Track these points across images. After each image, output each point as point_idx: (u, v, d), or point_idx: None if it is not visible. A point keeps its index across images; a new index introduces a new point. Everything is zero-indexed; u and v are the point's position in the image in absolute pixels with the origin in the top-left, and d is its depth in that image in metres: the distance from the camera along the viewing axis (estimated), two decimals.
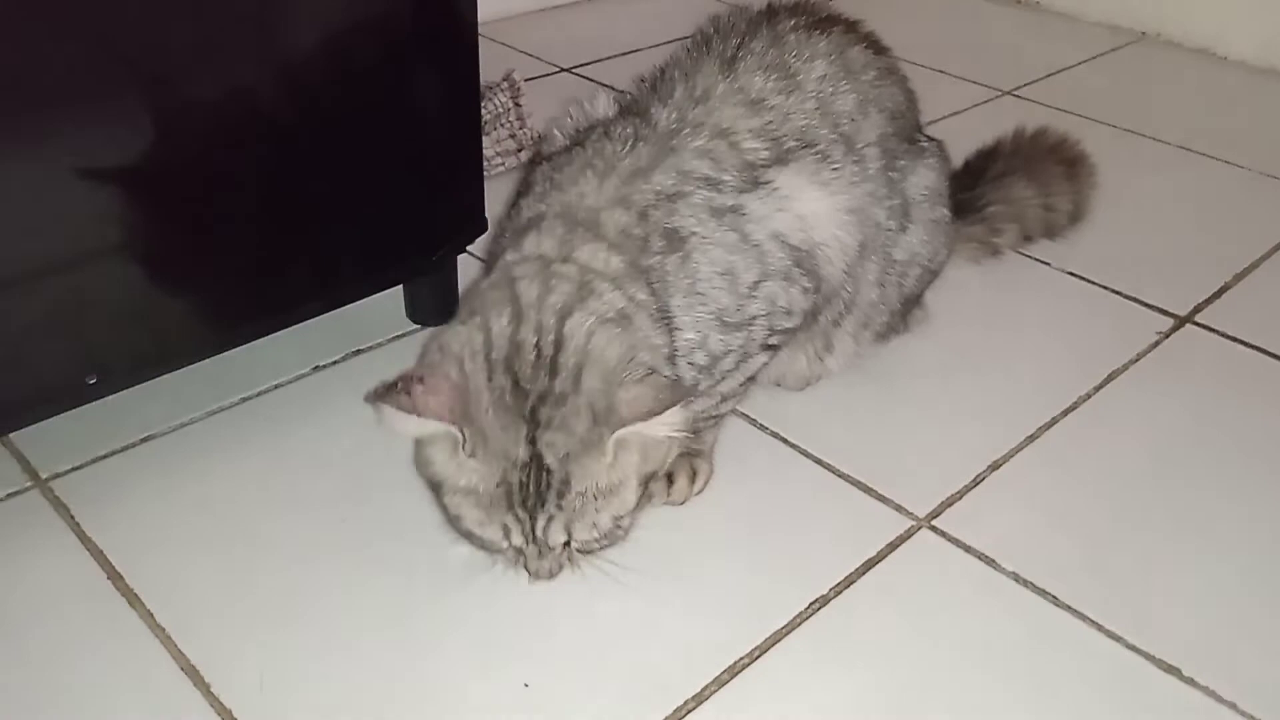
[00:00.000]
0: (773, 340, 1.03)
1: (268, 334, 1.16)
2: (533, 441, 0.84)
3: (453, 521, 0.90)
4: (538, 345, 0.86)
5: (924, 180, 1.15)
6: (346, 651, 0.91)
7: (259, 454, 1.11)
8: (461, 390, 0.85)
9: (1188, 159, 1.80)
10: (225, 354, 1.13)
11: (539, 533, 0.86)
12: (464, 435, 0.84)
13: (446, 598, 0.96)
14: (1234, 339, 1.35)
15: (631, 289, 0.91)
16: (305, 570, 0.98)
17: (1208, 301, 1.42)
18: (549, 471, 0.84)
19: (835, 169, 1.02)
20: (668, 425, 0.84)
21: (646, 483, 0.90)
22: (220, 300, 1.10)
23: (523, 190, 1.06)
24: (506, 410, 0.84)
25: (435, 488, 0.90)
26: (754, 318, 0.98)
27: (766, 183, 0.99)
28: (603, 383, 0.85)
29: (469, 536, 0.90)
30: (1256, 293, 1.45)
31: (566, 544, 0.88)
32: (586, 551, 0.90)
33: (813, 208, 1.00)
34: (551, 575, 0.90)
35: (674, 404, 0.83)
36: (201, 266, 1.06)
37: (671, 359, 0.94)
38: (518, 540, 0.88)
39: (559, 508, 0.85)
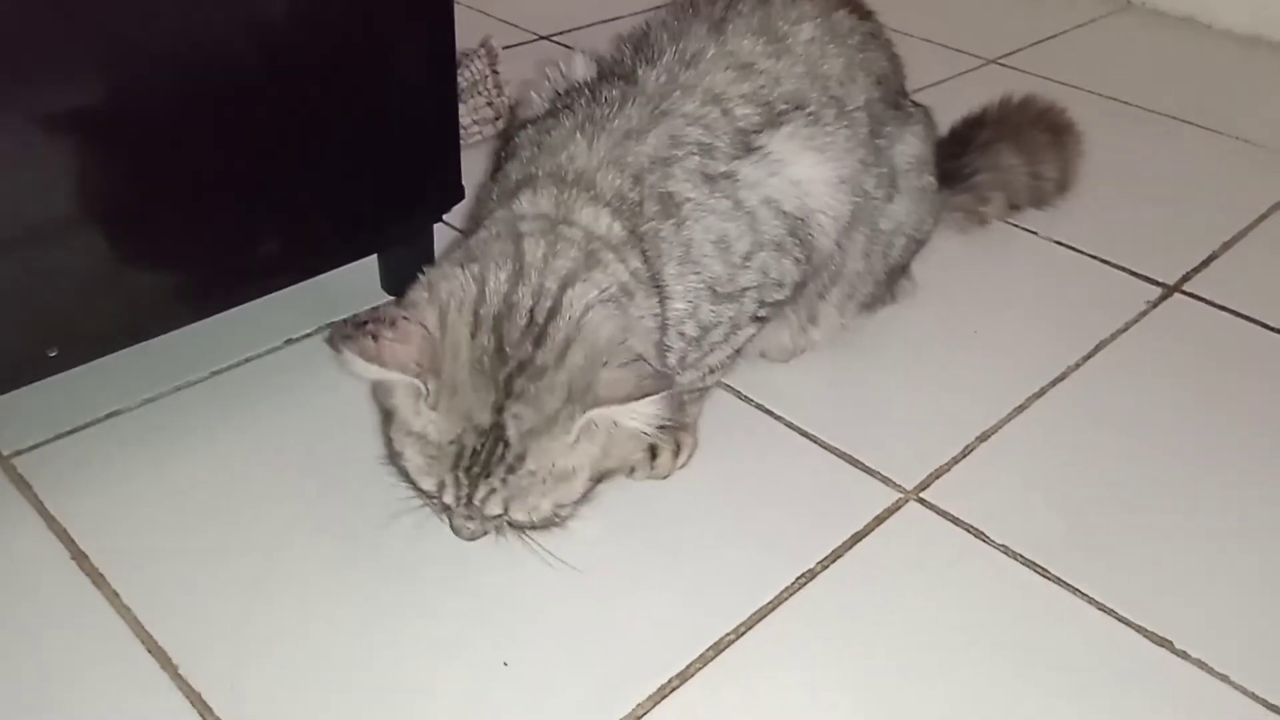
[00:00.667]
0: (762, 313, 1.00)
1: (238, 305, 1.12)
2: (499, 410, 0.81)
3: (393, 456, 0.88)
4: (532, 310, 0.83)
5: (910, 148, 1.13)
6: (319, 632, 0.89)
7: (229, 430, 1.08)
8: (435, 341, 0.82)
9: (1174, 127, 1.78)
10: (194, 326, 1.09)
11: (476, 501, 0.84)
12: (427, 389, 0.81)
13: (422, 577, 0.93)
14: (1222, 308, 1.33)
15: (631, 259, 0.89)
16: (276, 550, 0.95)
17: (1196, 270, 1.40)
18: (506, 444, 0.82)
19: (828, 133, 1.00)
20: (642, 416, 0.81)
21: (599, 480, 0.88)
22: (188, 270, 1.06)
23: (507, 154, 1.03)
24: (482, 373, 0.82)
25: (387, 416, 0.87)
26: (745, 289, 0.96)
27: (759, 148, 0.96)
28: (587, 361, 0.82)
29: (404, 474, 0.88)
30: (1244, 261, 1.43)
31: (500, 516, 0.86)
32: (517, 528, 0.88)
33: (807, 173, 0.98)
34: (474, 538, 0.89)
35: (654, 393, 0.80)
36: (168, 235, 1.02)
37: (662, 329, 0.91)
38: (449, 499, 0.85)
39: (503, 482, 0.83)
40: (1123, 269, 1.40)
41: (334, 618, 0.90)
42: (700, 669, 0.87)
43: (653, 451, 1.03)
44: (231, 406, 1.11)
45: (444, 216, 1.26)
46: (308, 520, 0.98)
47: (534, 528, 0.87)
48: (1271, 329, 1.30)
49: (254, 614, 0.90)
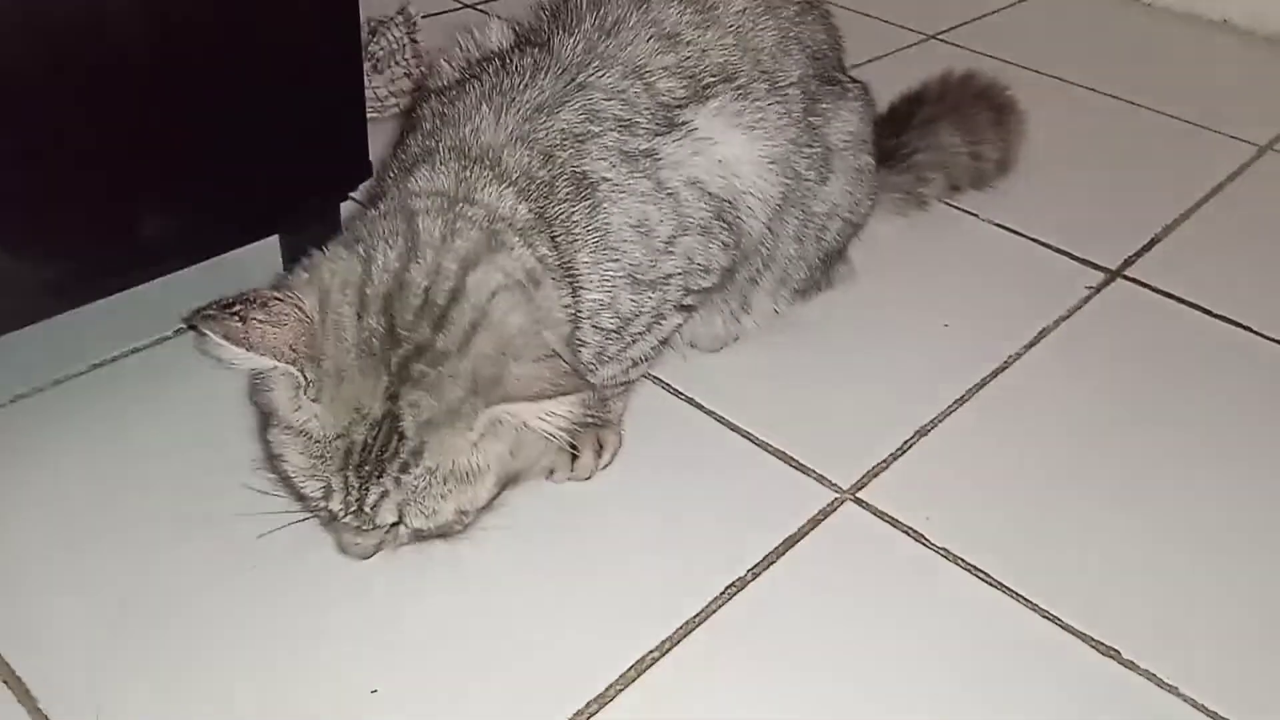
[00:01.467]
0: (688, 300, 0.94)
1: (123, 290, 1.03)
2: (393, 398, 0.73)
3: (272, 460, 0.79)
4: (428, 290, 0.75)
5: (847, 125, 1.07)
6: (189, 660, 0.81)
7: (109, 431, 0.99)
8: (313, 325, 0.74)
9: (1115, 107, 1.75)
10: (74, 313, 0.99)
11: (367, 506, 0.76)
12: (305, 379, 0.73)
13: (303, 593, 0.86)
14: (1165, 293, 1.30)
15: (539, 244, 0.82)
16: (147, 569, 0.87)
17: (1138, 255, 1.37)
18: (401, 436, 0.73)
19: (759, 110, 0.93)
20: (553, 419, 0.74)
21: (505, 485, 0.80)
22: (66, 251, 0.96)
23: (410, 127, 0.95)
24: (371, 355, 0.74)
25: (265, 418, 0.79)
26: (669, 276, 0.89)
27: (683, 124, 0.89)
28: (496, 350, 0.75)
29: (285, 481, 0.79)
30: (1186, 245, 1.40)
31: (394, 525, 0.78)
32: (414, 538, 0.80)
33: (734, 152, 0.92)
34: (365, 556, 0.81)
35: (568, 394, 0.73)
36: (42, 211, 0.93)
37: (575, 322, 0.84)
38: (337, 505, 0.77)
39: (397, 482, 0.75)
40: (1064, 253, 1.36)
41: (205, 644, 0.82)
42: (621, 691, 0.81)
43: (573, 449, 0.96)
44: (113, 404, 1.01)
45: (352, 195, 1.18)
46: (185, 535, 0.90)
47: (433, 536, 0.80)
48: (1214, 315, 1.27)
49: (120, 641, 0.81)
